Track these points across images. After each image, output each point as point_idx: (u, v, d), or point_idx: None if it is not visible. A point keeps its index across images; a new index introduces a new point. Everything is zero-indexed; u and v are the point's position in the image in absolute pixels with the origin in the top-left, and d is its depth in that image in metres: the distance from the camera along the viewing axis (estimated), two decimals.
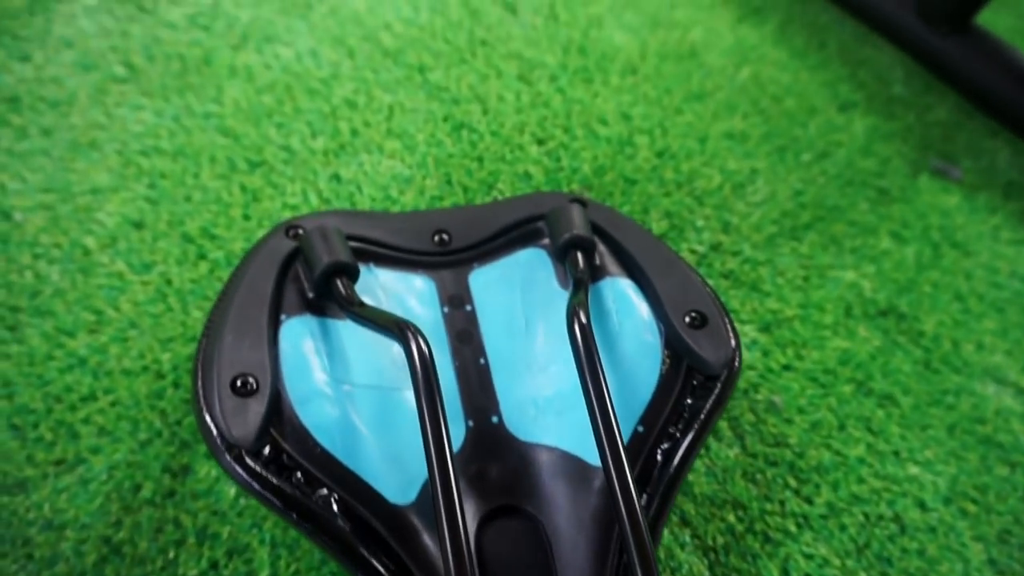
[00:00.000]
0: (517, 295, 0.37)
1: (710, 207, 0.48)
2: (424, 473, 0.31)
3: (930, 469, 0.39)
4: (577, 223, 0.37)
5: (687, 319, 0.34)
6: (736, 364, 0.34)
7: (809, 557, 0.36)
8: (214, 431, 0.28)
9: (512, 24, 0.56)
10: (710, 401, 0.33)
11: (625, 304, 0.36)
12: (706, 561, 0.35)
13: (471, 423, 0.33)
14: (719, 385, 0.33)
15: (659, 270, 0.36)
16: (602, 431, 0.29)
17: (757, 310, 0.44)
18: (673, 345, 0.34)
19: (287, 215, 0.43)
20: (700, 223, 0.47)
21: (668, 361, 0.34)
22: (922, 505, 0.38)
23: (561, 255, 0.37)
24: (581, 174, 0.48)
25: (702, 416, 0.32)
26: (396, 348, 0.33)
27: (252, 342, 0.31)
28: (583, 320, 0.31)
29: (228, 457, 0.28)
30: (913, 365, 0.43)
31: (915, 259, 0.48)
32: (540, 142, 0.49)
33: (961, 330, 0.45)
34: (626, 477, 0.27)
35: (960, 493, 0.39)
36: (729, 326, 0.34)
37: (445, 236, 0.38)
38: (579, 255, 0.36)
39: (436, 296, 0.37)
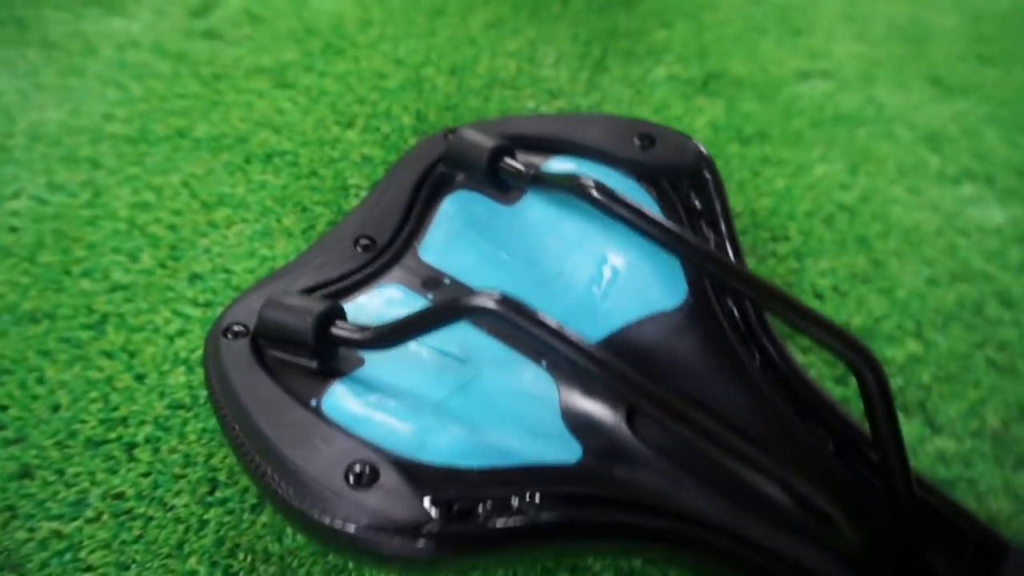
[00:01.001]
0: (476, 239, 0.35)
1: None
2: (557, 418, 0.29)
3: None
4: (481, 140, 0.35)
5: (638, 145, 0.34)
6: (702, 149, 0.34)
7: None
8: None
9: (225, 48, 0.50)
10: (711, 191, 0.33)
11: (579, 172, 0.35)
12: None
13: None
14: (707, 174, 0.34)
15: (577, 130, 0.35)
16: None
17: None
18: (646, 175, 0.34)
19: (180, 349, 0.35)
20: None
21: (654, 190, 0.34)
22: None
23: (489, 177, 0.35)
24: (414, 125, 0.45)
25: (717, 207, 0.33)
26: None
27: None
28: (592, 184, 0.30)
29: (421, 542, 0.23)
30: None
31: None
32: (348, 125, 0.45)
33: None
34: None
35: None
36: (673, 130, 0.35)
37: (366, 240, 0.34)
38: (508, 160, 0.35)
39: (413, 293, 0.33)
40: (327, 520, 0.23)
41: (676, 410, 0.24)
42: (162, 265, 0.38)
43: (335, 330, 0.28)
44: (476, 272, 0.34)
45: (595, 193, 0.30)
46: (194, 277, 0.38)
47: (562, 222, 0.34)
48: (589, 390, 0.31)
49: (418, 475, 0.25)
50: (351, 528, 0.23)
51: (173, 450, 0.32)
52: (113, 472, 0.32)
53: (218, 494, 0.31)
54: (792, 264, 0.42)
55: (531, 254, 0.34)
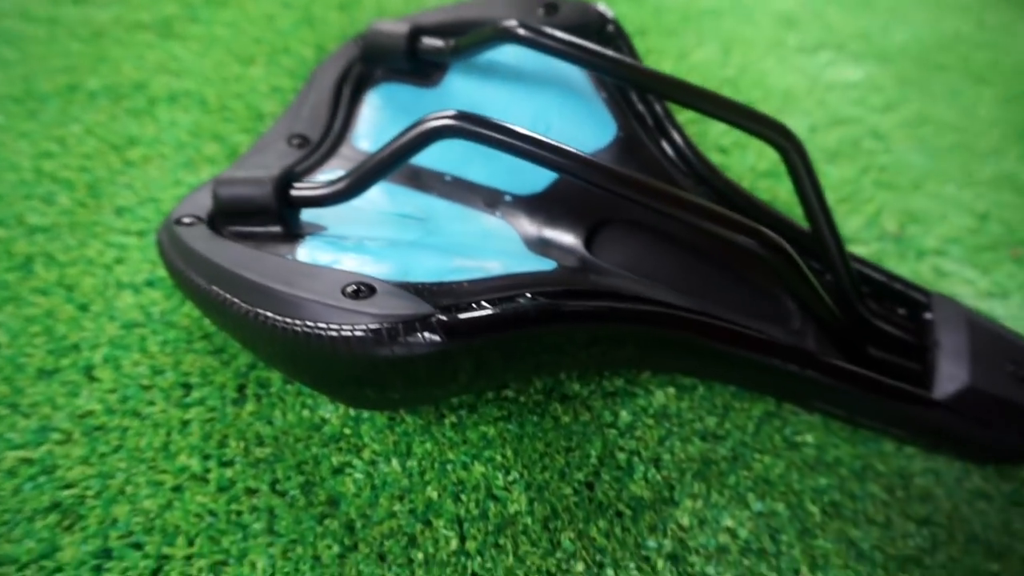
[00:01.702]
0: (407, 122, 0.36)
1: None
2: (523, 248, 0.31)
3: None
4: (396, 27, 0.36)
5: (542, 13, 0.36)
6: (602, 9, 0.36)
7: None
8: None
9: (97, 11, 0.48)
10: (619, 43, 0.36)
11: (489, 55, 0.36)
12: None
13: (509, 197, 0.33)
14: (611, 28, 0.36)
15: (483, 10, 0.37)
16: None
17: None
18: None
19: (122, 275, 0.33)
20: None
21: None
22: None
23: (410, 61, 0.36)
24: (317, 57, 0.45)
25: (627, 52, 0.35)
26: None
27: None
28: (515, 23, 0.32)
29: (425, 334, 0.24)
30: None
31: None
32: (249, 63, 0.45)
33: None
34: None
35: None
36: None
37: (298, 139, 0.34)
38: (426, 40, 0.36)
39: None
40: (335, 330, 0.23)
41: (641, 184, 0.26)
42: (82, 204, 0.36)
43: (295, 192, 0.28)
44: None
45: (521, 31, 0.31)
46: (121, 210, 0.36)
47: (487, 91, 0.36)
48: (548, 222, 0.32)
49: (412, 288, 0.26)
50: (360, 331, 0.23)
51: (136, 363, 0.31)
52: (74, 395, 0.30)
53: (195, 394, 0.30)
54: (693, 129, 0.45)
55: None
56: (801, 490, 0.29)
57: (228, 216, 0.29)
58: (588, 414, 0.31)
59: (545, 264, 0.29)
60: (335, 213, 0.30)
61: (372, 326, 0.23)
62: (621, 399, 0.31)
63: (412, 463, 0.29)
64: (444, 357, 0.24)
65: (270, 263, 0.26)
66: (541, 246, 0.31)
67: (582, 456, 0.30)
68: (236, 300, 0.25)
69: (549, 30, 0.31)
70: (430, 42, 0.36)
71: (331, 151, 0.35)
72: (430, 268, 0.27)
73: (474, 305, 0.25)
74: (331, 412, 0.30)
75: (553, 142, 0.26)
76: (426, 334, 0.23)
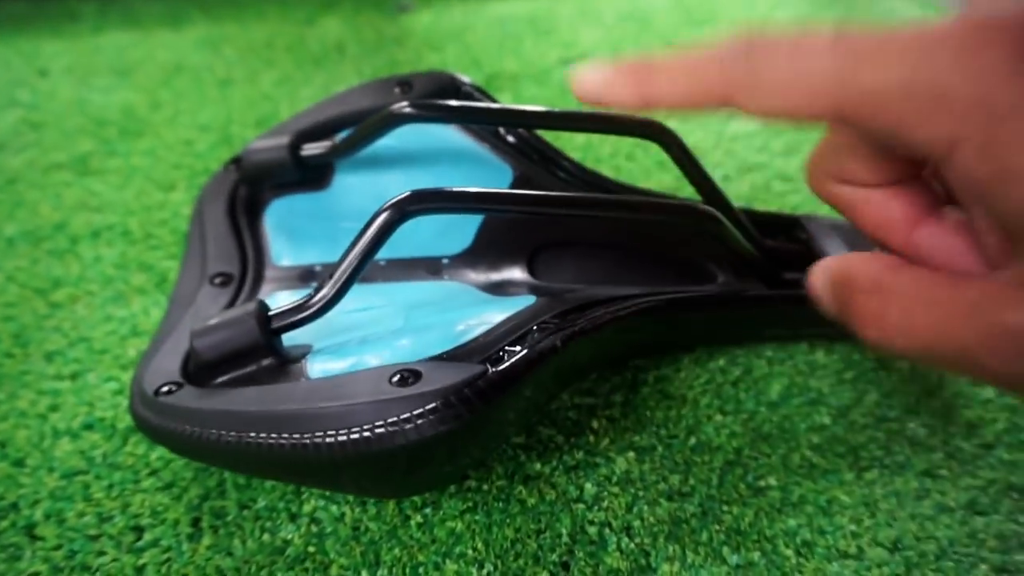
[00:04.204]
0: (314, 227, 0.37)
1: None
2: (488, 296, 0.34)
3: None
4: (275, 142, 0.37)
5: (399, 92, 0.37)
6: (455, 74, 0.38)
7: None
8: None
9: (11, 156, 0.47)
10: (477, 96, 0.37)
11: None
12: None
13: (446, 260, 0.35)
14: (466, 88, 0.37)
15: (345, 103, 0.38)
16: None
17: None
18: None
19: (57, 422, 0.32)
20: None
21: None
22: None
23: (297, 170, 0.37)
24: None
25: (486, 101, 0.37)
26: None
27: None
28: (403, 104, 0.32)
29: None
30: None
31: None
32: (170, 189, 0.45)
33: None
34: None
35: None
36: (425, 71, 0.39)
37: (220, 277, 0.34)
38: (308, 146, 0.37)
39: (297, 291, 0.34)
40: (407, 419, 0.23)
41: (594, 201, 0.29)
42: (8, 355, 0.35)
43: (277, 321, 0.28)
44: (336, 246, 0.34)
45: (409, 109, 0.32)
46: (50, 355, 0.35)
47: (383, 178, 0.37)
48: (491, 267, 0.34)
49: (443, 358, 0.26)
50: (430, 410, 0.23)
51: (81, 514, 0.30)
52: (16, 559, 0.28)
53: (147, 536, 0.29)
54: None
55: (369, 211, 0.35)
56: (773, 535, 0.29)
57: (213, 368, 0.27)
58: (553, 492, 0.31)
59: (524, 300, 0.30)
60: (311, 330, 0.29)
61: (440, 402, 0.23)
62: (583, 471, 0.31)
63: (383, 572, 0.28)
64: (506, 405, 0.25)
65: (296, 390, 0.25)
66: (499, 290, 0.33)
67: (553, 536, 0.29)
68: (282, 436, 0.24)
69: (438, 101, 0.33)
70: (312, 147, 0.36)
71: (258, 278, 0.34)
72: (441, 338, 0.27)
73: (504, 353, 0.26)
74: (292, 532, 0.29)
75: (505, 191, 0.29)
76: (488, 390, 0.24)
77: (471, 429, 0.23)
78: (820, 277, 0.22)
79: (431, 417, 0.23)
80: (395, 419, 0.23)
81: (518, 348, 0.26)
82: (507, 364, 0.25)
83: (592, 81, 0.21)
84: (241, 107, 0.53)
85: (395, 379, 0.24)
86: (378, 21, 0.65)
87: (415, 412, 0.23)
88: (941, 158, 0.17)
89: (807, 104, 0.18)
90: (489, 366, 0.24)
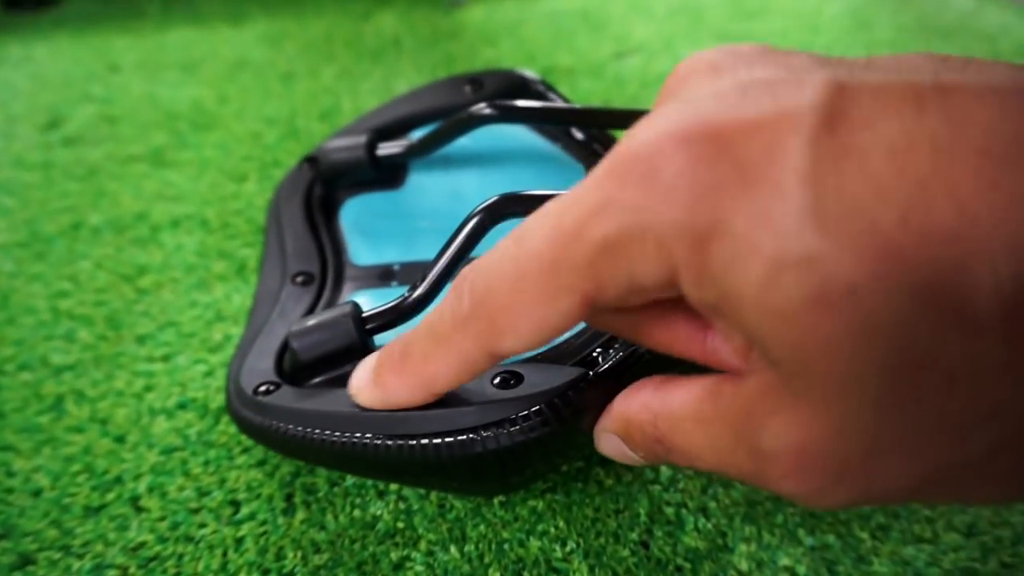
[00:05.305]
0: (391, 226, 0.37)
1: None
2: None
3: None
4: (352, 141, 0.38)
5: (470, 90, 0.38)
6: (525, 72, 0.38)
7: None
8: None
9: (90, 149, 0.49)
10: (551, 95, 0.38)
11: None
12: None
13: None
14: (539, 87, 0.38)
15: (418, 102, 0.39)
16: None
17: None
18: None
19: (153, 402, 0.34)
20: None
21: None
22: None
23: (373, 169, 0.38)
24: None
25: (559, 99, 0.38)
26: None
27: None
28: (482, 106, 0.33)
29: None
30: None
31: None
32: (242, 180, 0.47)
33: None
34: None
35: None
36: (495, 68, 0.39)
37: (302, 276, 0.35)
38: (384, 145, 0.38)
39: (378, 290, 0.35)
40: (513, 422, 0.23)
41: None
42: (103, 338, 0.37)
43: (371, 322, 0.28)
44: (413, 246, 0.36)
45: (490, 111, 0.33)
46: (142, 338, 0.37)
47: (458, 178, 0.37)
48: None
49: (545, 360, 0.26)
50: (536, 413, 0.23)
51: (182, 488, 0.31)
52: (124, 528, 0.30)
53: (244, 510, 0.30)
54: None
55: (444, 211, 0.36)
56: (848, 518, 0.30)
57: (311, 369, 0.28)
58: (630, 474, 0.32)
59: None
60: (398, 331, 0.29)
61: (544, 404, 0.23)
62: None
63: (469, 547, 0.29)
64: (603, 407, 0.24)
65: None
66: None
67: (632, 516, 0.30)
68: (389, 438, 0.24)
69: (519, 103, 0.33)
70: (387, 146, 0.37)
71: (340, 277, 0.35)
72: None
73: (598, 355, 0.26)
74: (381, 508, 0.31)
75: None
76: (589, 392, 0.24)
77: (572, 431, 0.24)
78: (602, 434, 0.22)
79: (536, 419, 0.23)
80: (500, 421, 0.23)
81: (611, 352, 0.26)
82: (605, 366, 0.25)
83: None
84: (304, 100, 0.54)
85: (496, 381, 0.24)
86: (432, 16, 0.66)
87: (520, 415, 0.23)
88: (673, 290, 0.16)
89: (552, 315, 0.17)
90: (587, 362, 0.25)
